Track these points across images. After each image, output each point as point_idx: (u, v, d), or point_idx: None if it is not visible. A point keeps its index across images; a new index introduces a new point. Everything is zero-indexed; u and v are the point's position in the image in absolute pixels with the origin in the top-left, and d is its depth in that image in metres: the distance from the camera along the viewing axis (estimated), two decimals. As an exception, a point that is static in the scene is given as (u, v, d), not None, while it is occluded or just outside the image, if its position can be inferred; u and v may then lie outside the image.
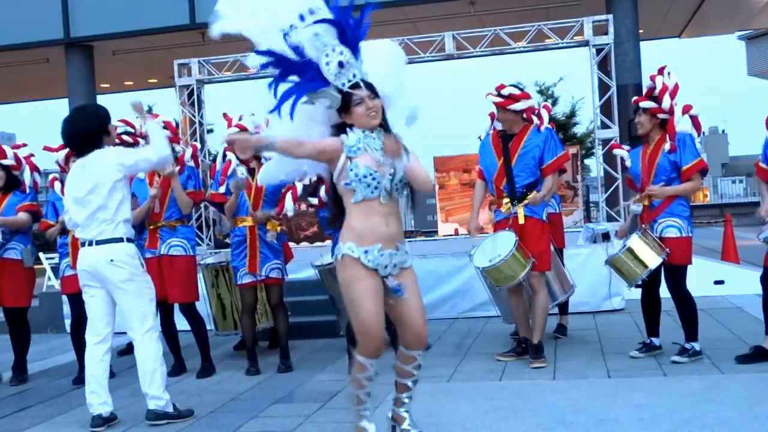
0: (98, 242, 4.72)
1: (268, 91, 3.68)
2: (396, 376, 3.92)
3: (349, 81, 3.66)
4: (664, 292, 5.67)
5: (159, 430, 4.70)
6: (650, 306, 5.76)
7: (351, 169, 3.63)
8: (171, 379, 5.72)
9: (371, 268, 3.66)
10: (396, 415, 3.96)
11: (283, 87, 3.66)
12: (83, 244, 4.80)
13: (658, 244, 5.48)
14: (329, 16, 3.64)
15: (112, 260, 4.69)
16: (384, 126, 3.74)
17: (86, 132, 4.83)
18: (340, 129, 3.75)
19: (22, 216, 6.28)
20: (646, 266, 5.50)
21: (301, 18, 3.62)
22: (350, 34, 3.65)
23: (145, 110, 5.19)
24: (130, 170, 4.96)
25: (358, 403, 3.87)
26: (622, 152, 6.10)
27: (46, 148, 6.48)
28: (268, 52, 3.64)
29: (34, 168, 6.54)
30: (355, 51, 3.69)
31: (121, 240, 4.76)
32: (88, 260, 4.76)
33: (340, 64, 3.62)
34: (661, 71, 5.65)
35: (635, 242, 5.53)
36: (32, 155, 6.61)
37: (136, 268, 4.78)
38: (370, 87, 3.68)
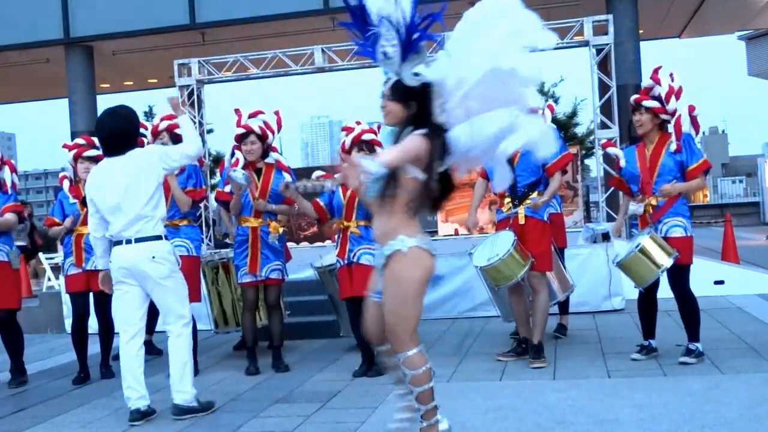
0: (138, 240, 4.78)
1: (348, 30, 3.71)
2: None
3: (386, 75, 3.72)
4: (662, 293, 5.66)
5: (160, 428, 4.71)
6: (649, 308, 5.72)
7: None
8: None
9: None
10: None
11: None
12: (119, 242, 4.83)
13: (666, 245, 5.43)
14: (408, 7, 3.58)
15: (154, 257, 4.77)
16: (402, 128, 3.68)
17: (124, 132, 4.92)
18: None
19: (9, 217, 6.15)
20: (658, 266, 5.38)
21: None
22: (405, 35, 3.61)
23: (179, 104, 5.25)
24: (175, 167, 5.10)
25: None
26: (616, 151, 6.05)
27: (66, 146, 6.45)
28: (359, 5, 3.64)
29: (13, 168, 6.39)
30: (409, 50, 3.64)
31: (160, 237, 4.86)
32: (127, 258, 4.80)
33: (385, 54, 3.65)
34: (657, 71, 5.61)
35: (647, 242, 5.40)
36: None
37: (174, 265, 4.89)
38: (397, 88, 3.64)
